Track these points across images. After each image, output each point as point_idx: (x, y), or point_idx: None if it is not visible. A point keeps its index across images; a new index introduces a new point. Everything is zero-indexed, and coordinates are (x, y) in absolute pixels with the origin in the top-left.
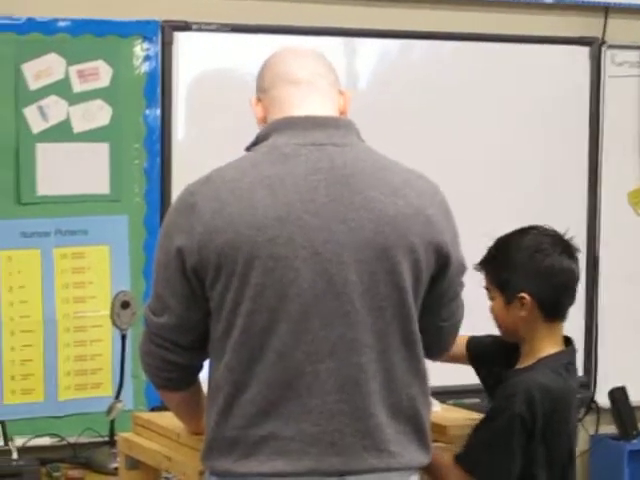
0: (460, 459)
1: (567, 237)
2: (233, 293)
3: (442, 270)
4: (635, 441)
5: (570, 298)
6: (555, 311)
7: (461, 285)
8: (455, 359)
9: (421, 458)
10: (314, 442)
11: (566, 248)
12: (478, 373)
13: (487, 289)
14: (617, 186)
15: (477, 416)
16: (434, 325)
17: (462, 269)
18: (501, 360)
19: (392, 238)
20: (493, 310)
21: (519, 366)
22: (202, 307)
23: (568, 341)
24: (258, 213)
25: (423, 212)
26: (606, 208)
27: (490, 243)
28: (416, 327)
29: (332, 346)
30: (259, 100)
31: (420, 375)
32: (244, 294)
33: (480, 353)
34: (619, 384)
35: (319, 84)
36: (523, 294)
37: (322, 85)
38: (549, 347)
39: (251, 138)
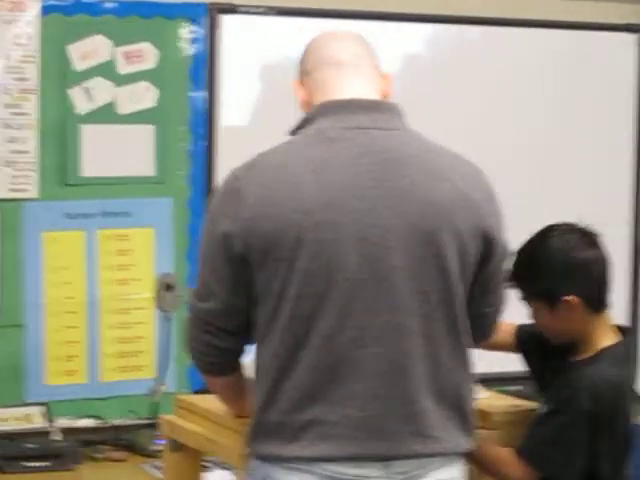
0: (524, 453)
1: (585, 226)
2: (280, 278)
3: (488, 255)
4: None
5: (609, 286)
6: (601, 303)
7: (505, 273)
8: (502, 347)
9: (465, 444)
10: (359, 427)
11: (590, 239)
12: (528, 362)
13: (525, 300)
14: None
15: (521, 403)
16: (479, 311)
17: (507, 253)
18: (555, 350)
19: (438, 222)
20: (538, 319)
21: (578, 358)
22: (247, 293)
23: (621, 330)
24: (304, 198)
25: (469, 196)
26: None
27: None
28: (462, 312)
29: (377, 331)
30: (302, 83)
31: (465, 361)
32: (291, 279)
33: (530, 342)
34: None
35: (362, 67)
36: (568, 297)
37: (365, 68)
38: (606, 338)
39: (296, 122)
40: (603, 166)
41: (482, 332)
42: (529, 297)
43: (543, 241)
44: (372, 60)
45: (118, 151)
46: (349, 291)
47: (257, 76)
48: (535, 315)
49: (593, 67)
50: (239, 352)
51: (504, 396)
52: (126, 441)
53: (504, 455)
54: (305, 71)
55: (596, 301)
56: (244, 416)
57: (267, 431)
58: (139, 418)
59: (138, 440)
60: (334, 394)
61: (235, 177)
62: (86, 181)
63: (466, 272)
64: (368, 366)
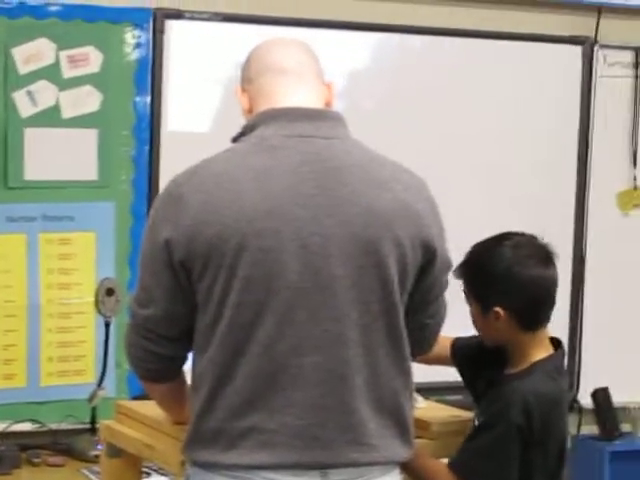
0: (456, 467)
1: (544, 242)
2: (220, 285)
3: (428, 265)
4: (617, 442)
5: (548, 306)
6: (532, 322)
7: (446, 283)
8: (439, 361)
9: (403, 452)
10: (297, 435)
11: (542, 256)
12: (463, 375)
13: (465, 294)
14: (606, 187)
15: (461, 413)
16: (419, 322)
17: (448, 265)
18: (488, 362)
19: (379, 232)
20: (472, 316)
21: (510, 370)
22: (188, 299)
23: (556, 343)
24: (246, 205)
25: (410, 206)
26: (594, 209)
27: (469, 246)
28: (401, 322)
29: (317, 340)
30: (244, 90)
31: (404, 370)
32: (232, 286)
33: (465, 354)
34: (602, 385)
35: (305, 74)
36: (497, 308)
37: (308, 76)
38: (539, 352)
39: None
40: (548, 178)
41: (422, 344)
42: (467, 294)
43: (495, 246)
44: (316, 68)
45: (61, 155)
46: (289, 300)
47: (202, 82)
48: (470, 311)
49: (539, 78)
50: (179, 359)
51: (443, 406)
52: (65, 446)
53: (438, 468)
54: (248, 78)
55: (527, 320)
56: (183, 423)
57: (205, 438)
58: (78, 423)
59: (77, 445)
60: (273, 402)
61: (177, 184)
62: (28, 184)
63: (406, 282)
64: (307, 375)
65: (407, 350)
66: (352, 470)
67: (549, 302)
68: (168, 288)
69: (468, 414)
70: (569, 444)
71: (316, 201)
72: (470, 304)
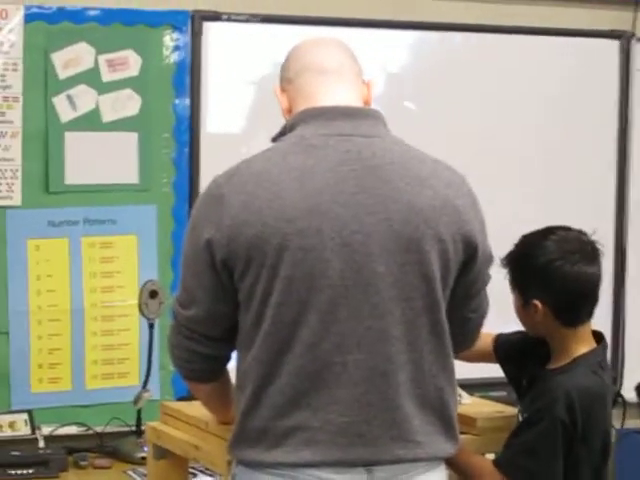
0: (501, 464)
1: (592, 239)
2: (263, 285)
3: (470, 260)
4: None
5: (589, 304)
6: (572, 318)
7: (488, 277)
8: (482, 357)
9: (448, 448)
10: (342, 433)
11: (587, 253)
12: (506, 371)
13: (509, 283)
14: None
15: (505, 409)
16: (462, 317)
17: (490, 260)
18: (531, 358)
19: (420, 229)
20: (515, 306)
21: (553, 365)
22: (230, 299)
23: (599, 336)
24: (286, 205)
25: (451, 202)
26: (635, 203)
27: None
28: (444, 318)
29: (360, 337)
30: (284, 90)
31: (448, 366)
32: (274, 286)
33: (508, 351)
34: None
35: (345, 74)
36: (536, 302)
37: (348, 75)
38: (581, 346)
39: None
40: (589, 172)
41: (465, 339)
42: (511, 283)
43: (542, 239)
44: (354, 67)
45: (102, 158)
46: (332, 298)
47: (240, 83)
48: (514, 302)
49: (578, 73)
50: (223, 359)
51: (488, 402)
52: (111, 448)
53: (483, 464)
54: (287, 78)
55: (567, 316)
56: (229, 423)
57: (250, 437)
58: (124, 425)
59: (123, 447)
60: (317, 400)
61: (218, 184)
62: (69, 189)
63: (448, 278)
64: (351, 372)
65: (450, 346)
66: (397, 467)
67: (590, 299)
68: (210, 288)
69: (512, 410)
70: (613, 438)
71: (357, 199)
72: (513, 294)
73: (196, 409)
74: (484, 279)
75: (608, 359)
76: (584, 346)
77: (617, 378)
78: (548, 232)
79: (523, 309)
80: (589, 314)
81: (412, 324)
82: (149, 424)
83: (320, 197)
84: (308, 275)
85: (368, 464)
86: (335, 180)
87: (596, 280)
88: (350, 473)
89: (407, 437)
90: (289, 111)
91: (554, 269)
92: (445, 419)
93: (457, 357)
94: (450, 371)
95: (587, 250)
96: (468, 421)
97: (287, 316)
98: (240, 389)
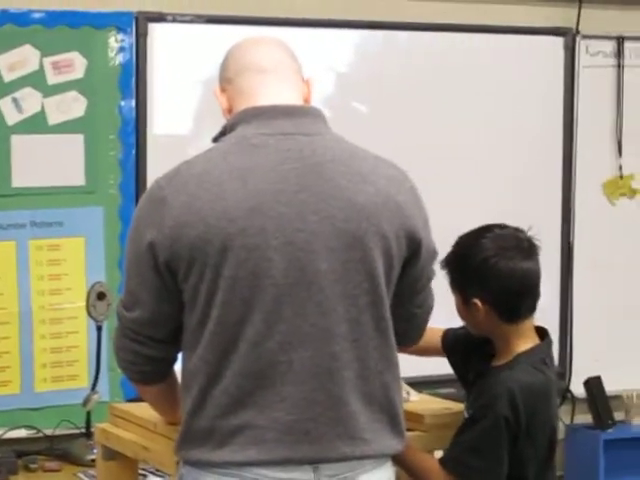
0: (447, 462)
1: (529, 235)
2: (207, 285)
3: (414, 256)
4: (610, 430)
5: (529, 299)
6: (512, 315)
7: (433, 272)
8: (431, 352)
9: (395, 445)
10: (288, 431)
11: (523, 249)
12: (454, 366)
13: (449, 284)
14: (592, 177)
15: (453, 405)
16: (408, 312)
17: (434, 255)
18: (477, 354)
19: (363, 226)
20: (456, 306)
21: (496, 362)
22: (175, 300)
23: (543, 332)
24: (229, 205)
25: (393, 198)
26: (580, 199)
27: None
28: (388, 314)
29: (305, 335)
30: (223, 90)
31: (392, 362)
32: (218, 286)
33: (456, 345)
34: (594, 374)
35: (284, 72)
36: (475, 300)
37: (287, 73)
38: (523, 343)
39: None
40: (532, 169)
41: (411, 335)
42: (450, 284)
43: (477, 237)
44: (294, 65)
45: (48, 161)
46: (276, 296)
47: (186, 84)
48: (455, 302)
49: (522, 70)
50: (169, 360)
51: (436, 398)
52: (61, 451)
53: (430, 464)
54: (227, 78)
55: (507, 312)
56: (177, 423)
57: (196, 437)
58: (74, 428)
59: (73, 450)
60: (263, 398)
61: (159, 186)
62: (16, 191)
63: (392, 274)
64: (296, 370)
65: (394, 342)
66: (343, 464)
67: (530, 294)
68: (154, 290)
69: (460, 407)
70: (562, 434)
71: (299, 198)
72: (454, 295)
73: (145, 410)
74: (429, 275)
75: (556, 355)
76: (526, 342)
77: (565, 374)
78: (483, 230)
79: (464, 309)
80: (530, 310)
81: (356, 321)
82: (98, 425)
83: (262, 196)
84: (251, 274)
85: (314, 462)
86: (277, 179)
87: (534, 275)
88: (297, 471)
89: (353, 434)
90: (229, 111)
91: (490, 266)
92: (392, 416)
93: (406, 351)
94: (395, 367)
95: (523, 246)
96: (416, 418)
97: (232, 316)
98: (186, 389)
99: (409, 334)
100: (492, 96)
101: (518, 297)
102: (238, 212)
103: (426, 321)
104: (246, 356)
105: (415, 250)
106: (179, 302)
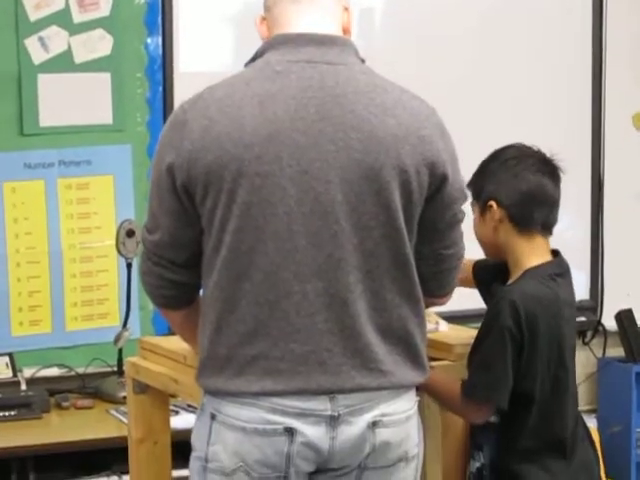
0: (464, 387)
1: (552, 158)
2: (221, 211)
3: (437, 191)
4: None
5: (544, 210)
6: (526, 222)
7: (462, 213)
8: (462, 282)
9: (414, 377)
10: (303, 361)
11: (546, 165)
12: (483, 296)
13: (471, 203)
14: (621, 109)
15: None
16: (434, 252)
17: (461, 196)
18: (499, 280)
19: (381, 158)
20: (474, 226)
21: (509, 282)
22: (194, 224)
23: (556, 254)
24: (246, 130)
25: (416, 132)
26: (610, 131)
27: None
28: (408, 250)
29: (319, 265)
30: (264, 19)
31: (413, 296)
32: (231, 211)
33: (483, 274)
34: (626, 306)
35: (321, 1)
36: (491, 202)
37: (325, 3)
38: (533, 259)
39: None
40: (561, 102)
41: (441, 281)
42: (472, 200)
43: (503, 148)
44: None
45: (75, 100)
46: (290, 225)
47: (213, 20)
48: (473, 222)
49: (551, 4)
50: (193, 286)
51: (465, 328)
52: (93, 389)
53: (451, 388)
54: (266, 7)
55: (520, 218)
56: None
57: (215, 365)
58: (105, 365)
59: (105, 387)
60: (278, 329)
61: (182, 110)
62: (44, 131)
63: (412, 209)
64: (311, 301)
65: (415, 277)
66: (361, 395)
67: (544, 205)
68: (172, 213)
69: None
70: (595, 367)
71: (317, 127)
72: (473, 210)
73: (174, 343)
74: (456, 213)
75: (587, 288)
76: (537, 259)
77: (597, 307)
78: (511, 144)
79: (481, 221)
80: (544, 225)
81: (371, 253)
82: (128, 359)
83: (280, 124)
84: (265, 201)
85: (331, 392)
86: (296, 107)
87: (551, 191)
88: (314, 401)
89: (370, 365)
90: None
91: (508, 167)
92: (410, 348)
93: (442, 303)
94: (415, 301)
95: (546, 162)
96: (445, 347)
97: (245, 243)
98: (205, 315)
99: (439, 279)
100: (521, 31)
101: (532, 203)
102: (255, 138)
103: (456, 268)
104: (260, 285)
105: (439, 186)
106: (199, 227)
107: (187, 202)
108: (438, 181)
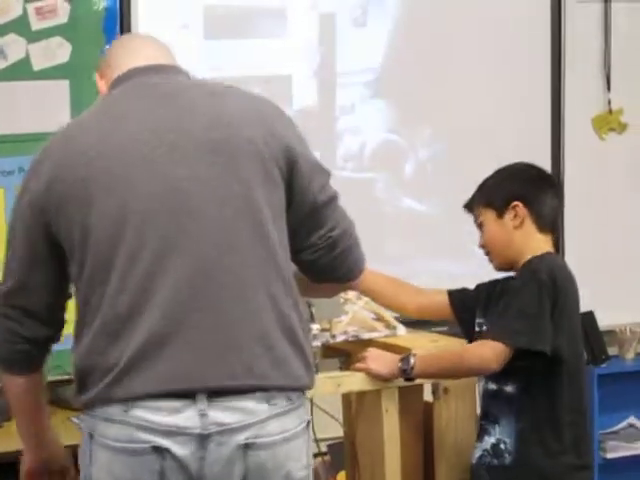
0: (500, 334)
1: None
2: (80, 225)
3: (293, 167)
4: (604, 365)
5: (558, 213)
6: (548, 221)
7: (331, 189)
8: (436, 312)
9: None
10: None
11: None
12: (462, 322)
13: (478, 225)
14: (581, 112)
15: (440, 338)
16: (323, 238)
17: (320, 170)
18: (493, 299)
19: (225, 131)
20: (485, 236)
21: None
22: (47, 267)
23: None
24: (88, 143)
25: (257, 108)
26: (570, 135)
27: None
28: (269, 222)
29: (179, 242)
30: (101, 76)
31: (280, 275)
32: (90, 224)
33: (466, 302)
34: (587, 309)
35: (150, 38)
36: (516, 202)
37: (153, 39)
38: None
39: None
40: (520, 104)
41: (336, 266)
42: (479, 211)
43: (509, 165)
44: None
45: (34, 107)
46: (145, 216)
47: (170, 28)
48: (484, 232)
49: (509, 3)
50: (43, 344)
51: (423, 333)
52: (54, 397)
53: (468, 346)
54: (104, 64)
55: (544, 217)
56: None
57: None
58: (65, 373)
59: (65, 395)
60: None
61: (42, 148)
62: (3, 139)
63: (270, 179)
64: (174, 268)
65: (279, 252)
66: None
67: (560, 208)
68: (25, 256)
69: (447, 340)
70: None
71: (156, 116)
72: (482, 226)
73: None
74: (325, 191)
75: None
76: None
77: None
78: (510, 164)
79: (498, 223)
80: (558, 225)
81: (230, 226)
82: None
83: (120, 133)
84: (118, 207)
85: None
86: (135, 108)
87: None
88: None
89: (234, 345)
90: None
91: (530, 171)
92: (284, 325)
93: (412, 314)
94: (283, 281)
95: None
96: (404, 351)
97: (103, 252)
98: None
99: (341, 263)
100: (477, 26)
101: (553, 203)
102: (100, 147)
103: (352, 247)
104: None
105: (292, 160)
106: (52, 272)
107: (41, 243)
108: (289, 154)
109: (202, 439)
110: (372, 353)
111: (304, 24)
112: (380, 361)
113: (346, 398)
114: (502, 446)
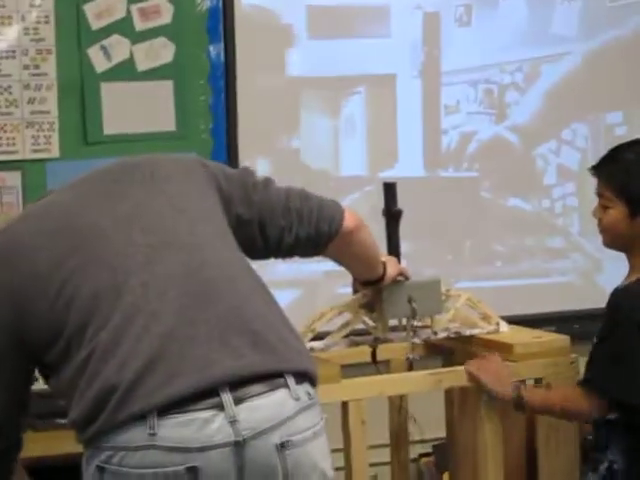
0: (587, 382)
1: None
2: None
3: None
4: None
5: None
6: None
7: (259, 177)
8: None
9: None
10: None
11: None
12: None
13: (600, 195)
14: None
15: (542, 334)
16: (283, 213)
17: (238, 178)
18: None
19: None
20: (608, 218)
21: (627, 281)
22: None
23: None
24: (40, 229)
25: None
26: None
27: None
28: (213, 206)
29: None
30: None
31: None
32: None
33: None
34: None
35: None
36: None
37: None
38: None
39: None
40: None
41: (320, 219)
42: (608, 192)
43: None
44: None
45: (138, 108)
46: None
47: (274, 26)
48: (607, 213)
49: None
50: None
51: (526, 329)
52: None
53: (569, 393)
54: None
55: None
56: None
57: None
58: None
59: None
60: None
61: None
62: (107, 139)
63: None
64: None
65: (229, 233)
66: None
67: None
68: None
69: (550, 336)
70: None
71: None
72: (609, 206)
73: None
74: (253, 185)
75: None
76: None
77: None
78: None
79: (629, 220)
80: None
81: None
82: None
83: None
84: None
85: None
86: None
87: None
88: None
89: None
90: None
91: None
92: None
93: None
94: (247, 270)
95: None
96: (505, 348)
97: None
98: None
99: (319, 226)
100: None
101: None
102: (46, 235)
103: (316, 204)
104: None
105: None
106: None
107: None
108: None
109: (238, 448)
110: (488, 362)
111: (408, 23)
112: (494, 377)
113: (448, 396)
114: (616, 465)
